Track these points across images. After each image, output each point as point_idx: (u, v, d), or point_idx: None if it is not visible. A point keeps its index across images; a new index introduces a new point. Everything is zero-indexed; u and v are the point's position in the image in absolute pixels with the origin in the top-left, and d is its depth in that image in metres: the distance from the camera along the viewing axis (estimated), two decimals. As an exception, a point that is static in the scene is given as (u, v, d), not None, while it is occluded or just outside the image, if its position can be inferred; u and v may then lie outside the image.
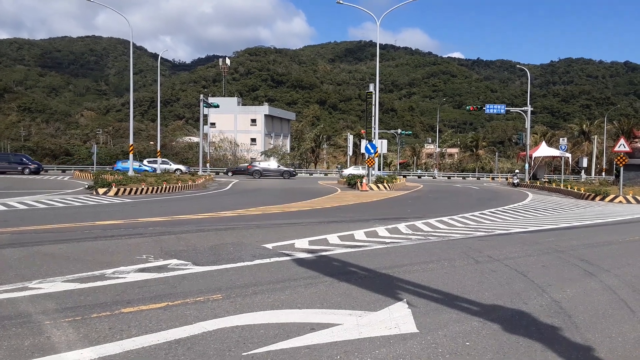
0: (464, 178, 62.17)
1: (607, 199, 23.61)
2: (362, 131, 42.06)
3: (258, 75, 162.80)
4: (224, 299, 5.31)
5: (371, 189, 27.78)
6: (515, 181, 39.38)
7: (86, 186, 24.41)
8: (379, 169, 41.86)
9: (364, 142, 31.16)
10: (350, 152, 50.55)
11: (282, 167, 46.40)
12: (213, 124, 74.15)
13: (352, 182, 29.87)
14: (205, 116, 63.47)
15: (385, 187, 28.67)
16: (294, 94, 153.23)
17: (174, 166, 46.93)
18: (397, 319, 4.76)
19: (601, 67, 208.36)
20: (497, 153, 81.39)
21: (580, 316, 5.04)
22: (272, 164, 46.75)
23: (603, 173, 62.44)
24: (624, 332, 4.60)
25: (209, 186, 30.47)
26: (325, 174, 61.13)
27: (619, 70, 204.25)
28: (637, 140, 35.53)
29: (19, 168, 41.40)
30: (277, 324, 4.50)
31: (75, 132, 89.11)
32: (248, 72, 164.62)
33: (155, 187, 23.42)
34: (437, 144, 72.95)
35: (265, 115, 79.26)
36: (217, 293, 5.51)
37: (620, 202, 22.90)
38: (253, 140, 77.23)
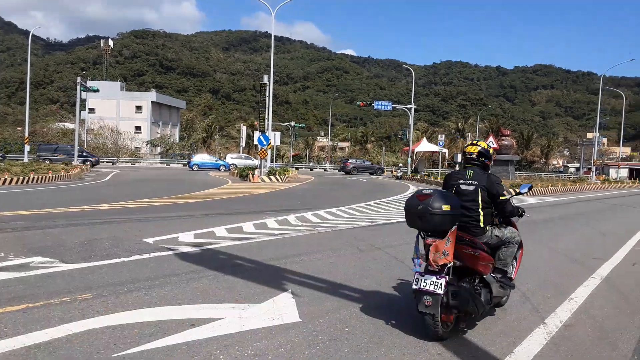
0: (353, 171, 64.69)
1: (477, 190, 26.07)
2: (256, 122, 41.75)
3: (145, 59, 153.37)
4: (95, 298, 4.91)
5: (263, 180, 27.70)
6: (399, 174, 41.85)
7: None
8: (272, 161, 41.91)
9: (257, 134, 30.92)
10: (243, 144, 49.84)
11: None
12: (92, 110, 68.48)
13: (244, 174, 29.53)
14: (83, 101, 58.42)
15: (277, 179, 28.78)
16: (185, 82, 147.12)
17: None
18: (281, 309, 4.77)
19: (476, 70, 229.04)
20: (384, 147, 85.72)
21: (449, 298, 5.46)
22: None
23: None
24: (486, 310, 5.07)
25: (85, 177, 28.12)
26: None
27: (491, 74, 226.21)
28: (504, 138, 39.58)
29: None
30: (154, 322, 4.26)
31: None
32: (134, 56, 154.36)
33: (21, 178, 21.00)
34: (329, 137, 75.00)
35: (152, 102, 74.83)
36: (86, 292, 5.07)
37: (487, 193, 25.42)
38: (138, 128, 72.61)
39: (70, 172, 26.46)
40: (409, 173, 43.52)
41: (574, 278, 6.73)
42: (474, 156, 4.87)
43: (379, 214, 13.87)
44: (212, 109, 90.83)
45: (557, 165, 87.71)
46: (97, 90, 40.90)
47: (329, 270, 6.54)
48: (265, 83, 30.96)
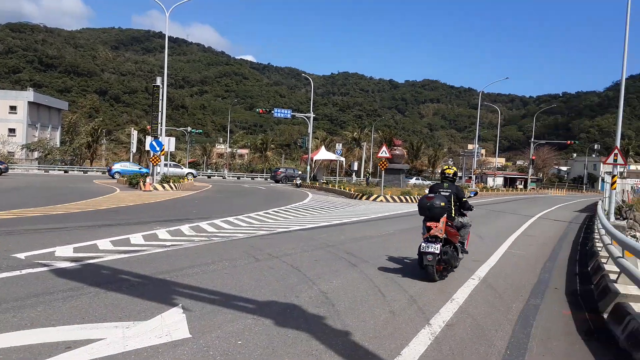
0: (252, 179, 64.14)
1: (372, 198, 27.22)
2: (148, 127, 39.63)
3: (22, 55, 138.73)
4: (-52, 325, 4.26)
5: (155, 189, 26.34)
6: (299, 182, 42.32)
7: None
8: (169, 168, 40.09)
9: (149, 139, 29.34)
10: (134, 149, 46.89)
11: None
12: (-45, 109, 60.39)
13: (134, 182, 27.82)
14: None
15: (172, 187, 27.56)
16: (68, 81, 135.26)
17: None
18: (169, 325, 4.52)
19: (371, 82, 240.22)
20: (284, 155, 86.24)
21: (342, 304, 5.58)
22: None
23: (369, 176, 71.95)
24: (376, 314, 5.26)
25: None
26: (104, 172, 55.72)
27: (384, 87, 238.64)
28: (396, 148, 41.78)
29: None
30: (23, 347, 3.81)
31: None
32: (9, 51, 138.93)
33: None
34: (228, 144, 73.60)
35: (29, 102, 67.68)
36: (-63, 319, 4.39)
37: (381, 200, 26.64)
38: (12, 131, 65.28)
39: None
40: (308, 181, 44.18)
41: (456, 280, 7.24)
42: (450, 174, 7.79)
43: (278, 222, 13.85)
44: (98, 111, 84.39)
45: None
46: (-39, 87, 36.10)
47: (223, 282, 6.34)
48: (159, 85, 29.53)
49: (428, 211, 6.90)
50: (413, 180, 54.63)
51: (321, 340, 4.34)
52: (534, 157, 68.52)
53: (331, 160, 52.50)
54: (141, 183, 26.59)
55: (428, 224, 6.89)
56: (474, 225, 8.92)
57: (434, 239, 6.79)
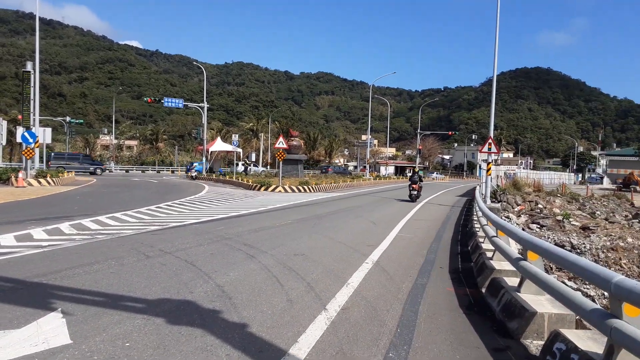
0: (143, 171, 60.76)
1: (270, 189, 27.18)
2: (19, 117, 35.62)
3: None
4: None
5: (30, 184, 23.80)
6: (194, 174, 40.91)
7: None
8: (42, 162, 36.39)
9: (20, 130, 26.37)
10: (3, 141, 41.93)
11: None
12: None
13: (4, 177, 24.88)
14: None
15: (49, 182, 25.07)
16: None
17: None
18: (47, 332, 4.11)
19: (267, 73, 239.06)
20: (177, 146, 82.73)
21: (240, 296, 5.48)
22: None
23: (268, 166, 71.80)
24: (274, 304, 5.24)
25: None
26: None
27: (280, 78, 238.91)
28: (293, 139, 42.05)
29: None
30: None
31: None
32: None
33: None
34: (113, 135, 68.75)
35: None
36: None
37: (280, 191, 26.71)
38: None
39: None
40: (204, 172, 42.87)
41: (351, 265, 7.48)
42: (417, 170, 25.38)
43: (171, 216, 13.24)
44: (-42, 99, 74.17)
45: (339, 164, 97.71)
46: None
47: (109, 282, 5.90)
48: (30, 71, 26.58)
49: (412, 181, 23.05)
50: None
51: (216, 335, 4.23)
52: (420, 147, 73.25)
53: (228, 152, 51.46)
54: (12, 178, 23.84)
55: (412, 185, 22.78)
56: (367, 212, 9.26)
57: (414, 189, 22.64)
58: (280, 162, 29.38)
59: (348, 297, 5.62)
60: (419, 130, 70.25)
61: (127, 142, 79.00)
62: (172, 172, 61.19)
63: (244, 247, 8.61)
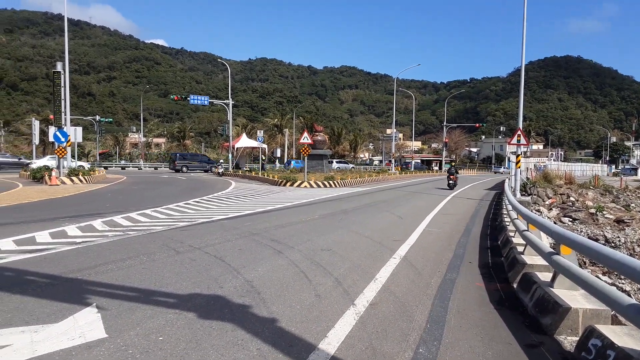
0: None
1: (296, 184, 27.28)
2: (51, 116, 36.63)
3: None
4: None
5: (63, 182, 24.50)
6: (221, 170, 41.42)
7: None
8: (78, 160, 37.37)
9: (52, 129, 27.13)
10: (36, 141, 43.29)
11: None
12: None
13: (38, 176, 25.68)
14: None
15: (82, 180, 25.77)
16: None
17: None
18: (83, 326, 4.23)
19: (290, 68, 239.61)
20: (203, 143, 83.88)
21: (268, 291, 5.52)
22: None
23: (293, 161, 72.02)
24: (303, 299, 5.27)
25: None
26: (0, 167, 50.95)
27: (303, 73, 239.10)
28: (317, 133, 42.13)
29: None
30: None
31: None
32: None
33: None
34: (142, 133, 70.11)
35: None
36: None
37: (305, 186, 26.78)
38: None
39: None
40: (230, 169, 43.34)
41: (378, 260, 7.45)
42: (452, 164, 30.98)
43: (199, 212, 13.43)
44: (-6, 101, 76.85)
45: (364, 158, 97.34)
46: None
47: (141, 278, 6.03)
48: (60, 71, 27.27)
49: (449, 173, 28.09)
50: (335, 165, 55.57)
51: (247, 330, 4.27)
52: (447, 140, 72.32)
53: (253, 148, 51.85)
54: (46, 177, 24.59)
55: (450, 176, 27.70)
56: (393, 207, 9.19)
57: (452, 180, 27.38)
58: (305, 158, 29.43)
59: (376, 293, 5.61)
60: (445, 123, 69.35)
61: (155, 140, 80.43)
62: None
63: (272, 243, 8.67)
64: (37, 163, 33.38)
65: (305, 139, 28.98)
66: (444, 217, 13.92)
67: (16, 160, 40.60)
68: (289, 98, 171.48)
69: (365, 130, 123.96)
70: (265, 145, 51.29)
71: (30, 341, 3.87)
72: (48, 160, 35.71)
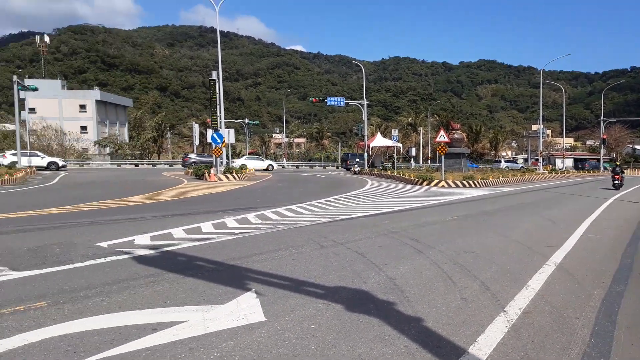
0: (311, 167, 64.73)
1: (432, 183, 26.70)
2: (208, 120, 40.85)
3: (85, 56, 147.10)
4: (50, 306, 4.64)
5: (220, 179, 27.23)
6: (357, 169, 42.25)
7: None
8: (228, 159, 41.25)
9: (210, 132, 30.31)
10: (196, 142, 48.88)
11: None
12: (33, 110, 64.78)
13: (199, 173, 28.93)
14: (22, 100, 55.29)
15: (235, 177, 28.38)
16: (130, 79, 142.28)
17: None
18: (245, 309, 4.68)
19: (424, 66, 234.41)
20: (340, 143, 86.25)
21: (411, 290, 5.53)
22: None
23: (429, 161, 70.49)
24: (447, 301, 5.17)
25: (30, 180, 26.73)
26: (171, 165, 58.27)
27: (438, 70, 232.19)
28: (454, 131, 40.71)
29: None
30: (114, 328, 4.08)
31: None
32: (73, 53, 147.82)
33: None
34: (284, 134, 74.65)
35: (96, 100, 71.79)
36: (40, 300, 4.80)
37: (442, 186, 26.08)
38: (83, 128, 69.60)
39: (15, 176, 25.07)
40: (366, 168, 43.99)
41: (529, 266, 6.97)
42: (617, 164, 28.22)
43: (339, 209, 13.91)
44: (161, 107, 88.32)
45: (507, 157, 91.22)
46: (36, 89, 38.90)
47: (291, 268, 6.47)
48: (215, 79, 30.31)
49: (614, 172, 25.77)
50: (504, 164, 54.39)
51: (392, 326, 4.33)
52: (605, 136, 64.48)
53: (388, 147, 51.91)
54: (206, 174, 27.59)
55: (615, 176, 25.46)
56: (543, 209, 8.52)
57: (617, 179, 25.09)
58: (442, 156, 28.61)
59: (529, 301, 5.26)
60: (602, 118, 61.94)
61: (296, 140, 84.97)
62: (337, 167, 63.99)
63: (411, 242, 8.64)
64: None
65: (442, 137, 28.20)
66: (605, 222, 12.45)
67: (209, 159, 45.30)
68: (422, 96, 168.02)
69: (507, 127, 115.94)
70: (400, 144, 51.01)
71: (202, 319, 4.38)
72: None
